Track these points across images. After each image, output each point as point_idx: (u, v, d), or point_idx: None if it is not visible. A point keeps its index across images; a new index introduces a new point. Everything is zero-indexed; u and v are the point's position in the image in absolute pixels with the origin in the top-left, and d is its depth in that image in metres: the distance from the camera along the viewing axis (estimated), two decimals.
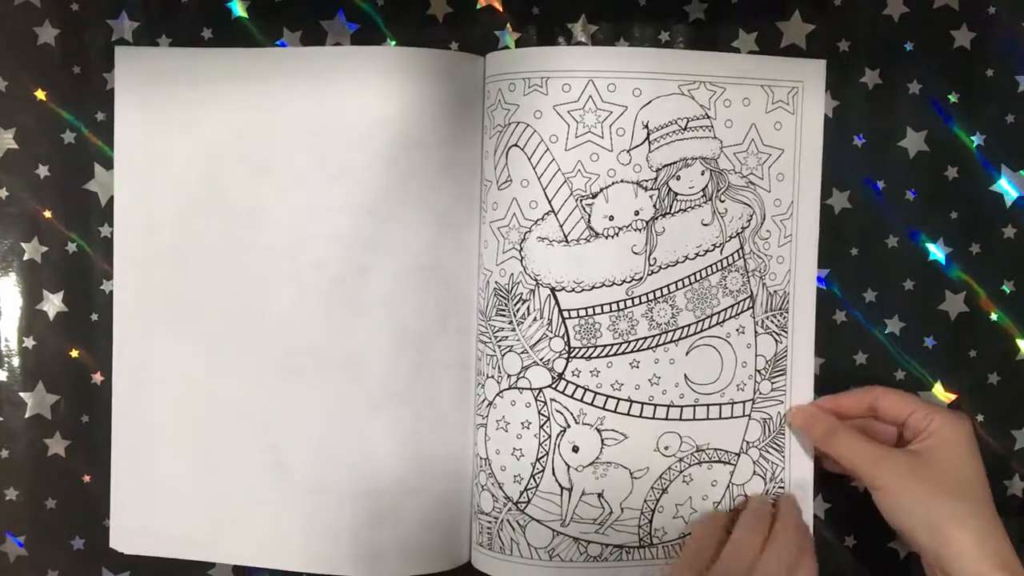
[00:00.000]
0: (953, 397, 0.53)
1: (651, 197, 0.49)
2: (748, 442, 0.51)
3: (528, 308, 0.50)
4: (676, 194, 0.49)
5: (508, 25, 0.53)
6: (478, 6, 0.53)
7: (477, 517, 0.51)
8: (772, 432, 0.51)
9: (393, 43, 0.53)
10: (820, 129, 0.51)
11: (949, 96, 0.53)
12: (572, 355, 0.49)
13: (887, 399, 0.49)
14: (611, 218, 0.49)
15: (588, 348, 0.49)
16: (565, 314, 0.49)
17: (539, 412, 0.50)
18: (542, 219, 0.49)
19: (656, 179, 0.49)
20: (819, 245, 0.52)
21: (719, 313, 0.50)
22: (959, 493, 0.45)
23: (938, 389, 0.53)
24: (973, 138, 0.53)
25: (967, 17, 0.52)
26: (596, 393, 0.49)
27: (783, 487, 0.51)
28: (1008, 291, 0.53)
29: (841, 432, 0.48)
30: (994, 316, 0.53)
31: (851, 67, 0.52)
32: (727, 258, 0.50)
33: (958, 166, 0.53)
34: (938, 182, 0.53)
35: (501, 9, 0.53)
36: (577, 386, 0.50)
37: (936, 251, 0.53)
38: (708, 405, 0.50)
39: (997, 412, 0.53)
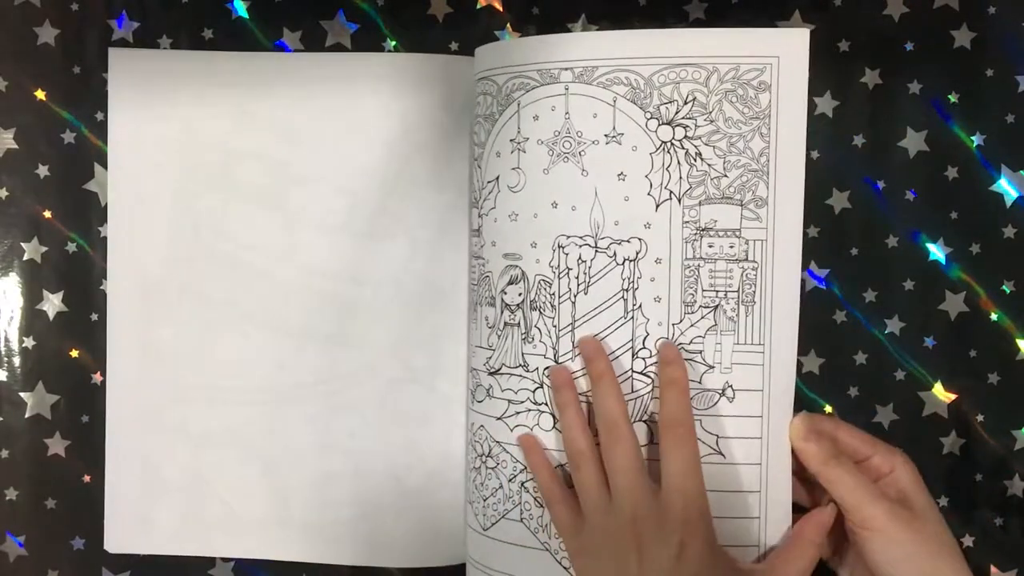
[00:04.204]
0: (953, 397, 0.53)
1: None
2: None
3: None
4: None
5: (508, 25, 0.53)
6: (478, 6, 0.53)
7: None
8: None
9: (393, 43, 0.53)
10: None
11: (949, 96, 0.53)
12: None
13: (846, 434, 0.46)
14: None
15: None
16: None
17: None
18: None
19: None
20: (819, 245, 0.52)
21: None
22: (944, 543, 0.44)
23: (938, 389, 0.53)
24: (973, 138, 0.53)
25: (967, 17, 0.52)
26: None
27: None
28: (1008, 291, 0.53)
29: (844, 460, 0.44)
30: (994, 316, 0.53)
31: (851, 67, 0.52)
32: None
33: (958, 166, 0.53)
34: (938, 182, 0.53)
35: (501, 9, 0.53)
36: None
37: (936, 251, 0.53)
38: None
39: (997, 412, 0.53)
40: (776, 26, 0.52)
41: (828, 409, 0.53)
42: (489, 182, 0.48)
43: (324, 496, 0.52)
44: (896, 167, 0.53)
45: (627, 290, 0.46)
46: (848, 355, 0.53)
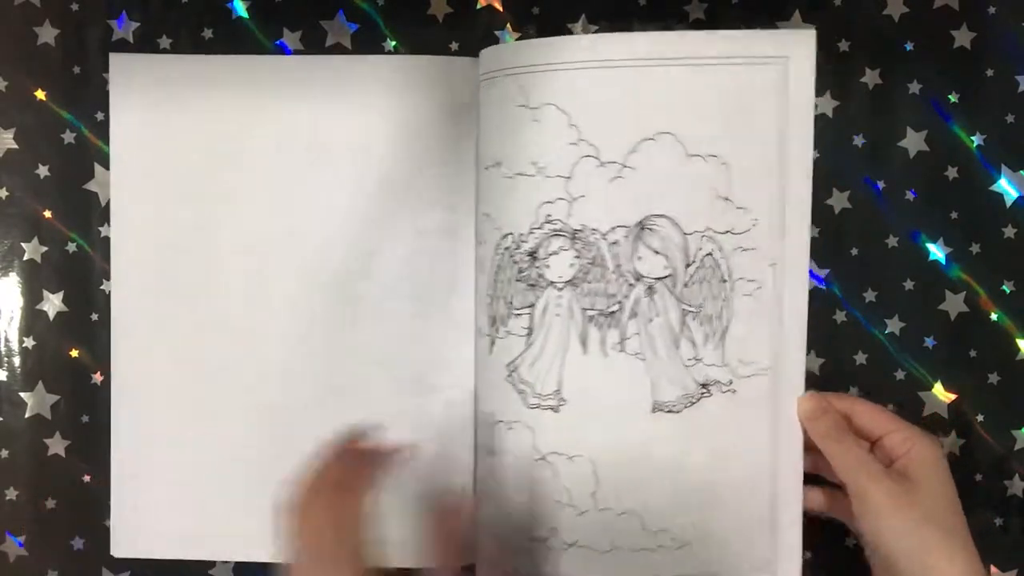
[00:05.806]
0: (953, 397, 0.53)
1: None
2: None
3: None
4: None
5: (508, 25, 0.53)
6: (478, 6, 0.53)
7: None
8: None
9: (393, 43, 0.53)
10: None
11: (949, 96, 0.53)
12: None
13: (865, 411, 0.47)
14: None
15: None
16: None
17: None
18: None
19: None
20: (819, 245, 0.52)
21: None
22: (946, 523, 0.44)
23: (938, 389, 0.53)
24: (973, 138, 0.53)
25: (967, 17, 0.52)
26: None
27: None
28: (1008, 291, 0.53)
29: (848, 435, 0.46)
30: (994, 316, 0.53)
31: (851, 67, 0.52)
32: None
33: (958, 166, 0.53)
34: (938, 182, 0.53)
35: (501, 9, 0.53)
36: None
37: (936, 251, 0.53)
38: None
39: (997, 412, 0.53)
40: (777, 27, 0.52)
41: None
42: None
43: None
44: (896, 167, 0.53)
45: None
46: (848, 355, 0.53)
